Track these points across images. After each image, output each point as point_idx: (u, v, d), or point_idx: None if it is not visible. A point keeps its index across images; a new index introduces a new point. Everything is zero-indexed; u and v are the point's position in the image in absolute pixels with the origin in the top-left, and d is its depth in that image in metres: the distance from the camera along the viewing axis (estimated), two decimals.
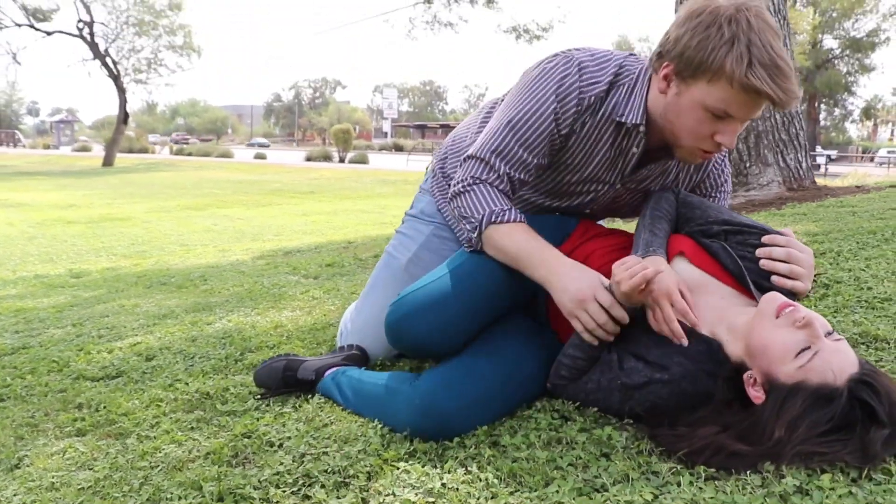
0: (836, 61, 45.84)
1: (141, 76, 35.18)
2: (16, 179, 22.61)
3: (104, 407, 1.98)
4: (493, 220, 1.71)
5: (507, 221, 1.71)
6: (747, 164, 5.34)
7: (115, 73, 32.33)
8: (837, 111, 49.81)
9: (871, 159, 50.01)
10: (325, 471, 1.43)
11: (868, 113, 55.96)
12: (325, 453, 1.51)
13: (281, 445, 1.58)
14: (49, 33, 31.50)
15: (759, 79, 1.51)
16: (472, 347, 1.66)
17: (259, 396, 1.93)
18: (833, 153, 53.01)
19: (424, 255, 2.14)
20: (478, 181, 1.77)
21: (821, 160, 33.39)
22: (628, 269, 1.50)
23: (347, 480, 1.39)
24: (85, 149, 50.38)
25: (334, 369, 1.93)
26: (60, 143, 57.90)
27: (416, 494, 1.29)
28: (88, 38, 31.87)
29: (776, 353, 1.38)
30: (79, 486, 1.49)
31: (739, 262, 1.62)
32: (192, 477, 1.45)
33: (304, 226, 10.17)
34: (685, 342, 1.51)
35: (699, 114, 1.62)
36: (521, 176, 1.79)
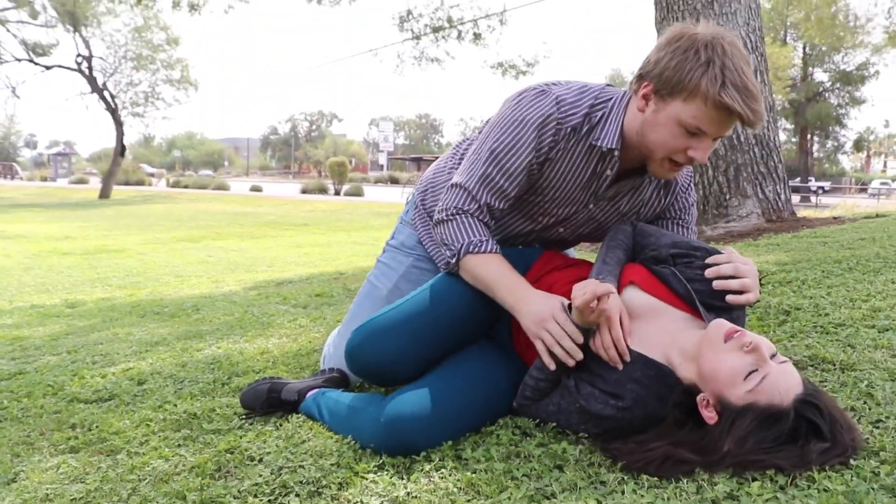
0: (826, 94, 46.35)
1: (138, 109, 35.46)
2: (12, 211, 22.72)
3: (96, 427, 2.09)
4: (470, 249, 1.86)
5: (484, 252, 1.85)
6: (727, 196, 5.49)
7: (113, 106, 32.61)
8: (830, 143, 50.26)
9: (864, 190, 50.62)
10: (300, 482, 1.54)
11: (859, 145, 56.55)
12: (302, 466, 1.61)
13: (261, 460, 1.69)
14: (48, 67, 31.84)
15: (731, 98, 1.66)
16: (438, 370, 1.79)
17: (244, 416, 2.04)
18: (826, 184, 53.63)
19: (404, 285, 2.26)
20: (460, 212, 1.91)
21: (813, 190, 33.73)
22: (583, 288, 1.62)
23: (320, 490, 1.49)
24: (82, 181, 50.59)
25: (316, 390, 2.04)
26: (58, 176, 58.10)
27: (382, 502, 1.40)
28: (87, 72, 32.20)
29: (726, 378, 1.49)
30: (71, 498, 1.60)
31: (688, 285, 1.73)
32: (177, 488, 1.56)
33: (297, 257, 10.29)
34: (619, 366, 1.63)
35: (674, 129, 1.76)
36: (500, 205, 1.93)
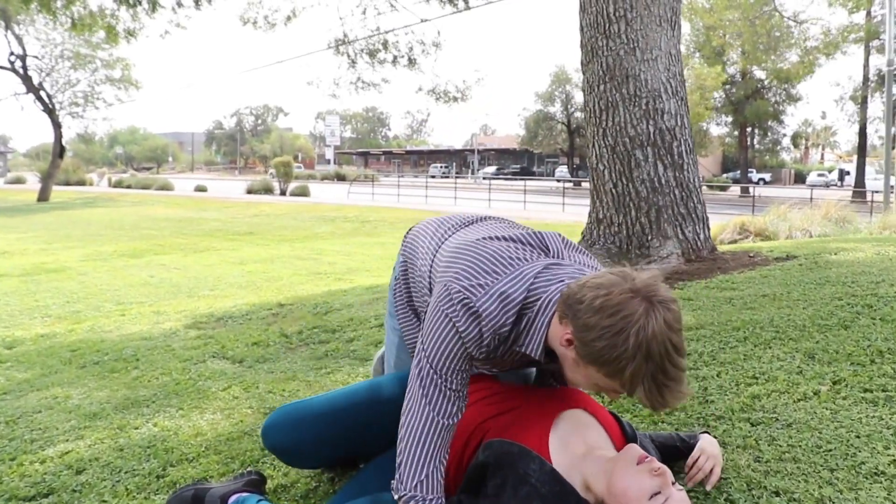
0: (764, 91, 47.55)
1: (77, 109, 34.85)
2: None
3: None
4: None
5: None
6: (649, 238, 5.78)
7: (51, 106, 31.99)
8: (769, 137, 51.64)
9: (802, 181, 52.80)
10: None
11: (796, 141, 58.31)
12: None
13: None
14: None
15: (644, 393, 1.69)
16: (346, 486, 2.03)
17: None
18: (767, 176, 55.57)
19: (403, 356, 2.41)
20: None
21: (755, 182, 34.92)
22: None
23: None
24: (19, 181, 49.47)
25: (236, 496, 2.22)
26: None
27: None
28: (21, 71, 31.53)
29: (633, 496, 1.74)
30: None
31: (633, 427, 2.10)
32: None
33: (239, 277, 10.37)
34: None
35: (591, 382, 1.81)
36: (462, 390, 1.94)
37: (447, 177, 67.58)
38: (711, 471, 2.15)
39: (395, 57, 13.16)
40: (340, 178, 59.92)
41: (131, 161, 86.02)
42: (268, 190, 37.80)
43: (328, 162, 78.51)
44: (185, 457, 2.79)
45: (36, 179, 42.96)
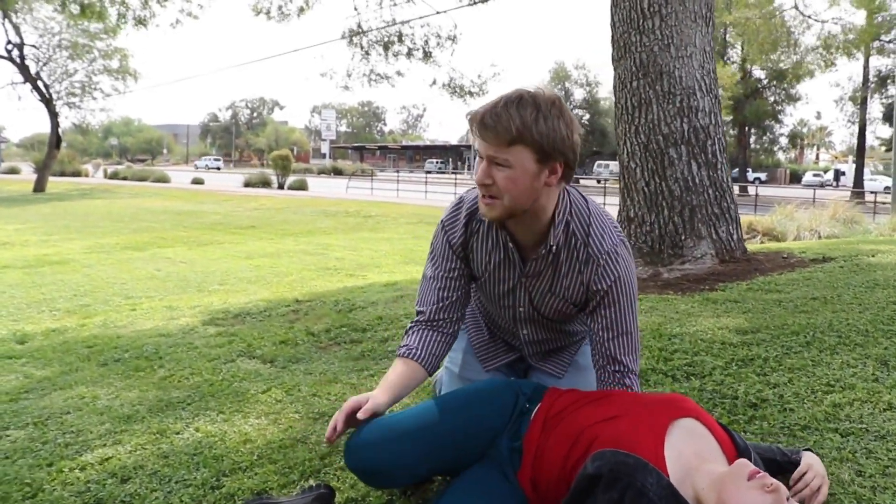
0: (763, 91, 47.55)
1: (74, 100, 34.51)
2: None
3: None
4: (399, 352, 2.28)
5: (400, 356, 2.26)
6: (682, 237, 5.66)
7: (48, 96, 31.68)
8: (766, 137, 51.73)
9: (798, 180, 53.21)
10: None
11: (794, 141, 58.45)
12: None
13: None
14: None
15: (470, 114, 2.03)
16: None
17: None
18: (763, 175, 55.84)
19: (469, 359, 2.64)
20: (414, 322, 2.36)
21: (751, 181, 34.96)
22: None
23: None
24: (13, 171, 49.10)
25: None
26: None
27: None
28: (18, 60, 31.20)
29: None
30: None
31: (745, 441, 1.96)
32: None
33: (248, 271, 10.22)
34: None
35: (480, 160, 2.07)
36: (444, 300, 2.32)
37: (443, 172, 67.43)
38: (819, 489, 2.02)
39: (409, 49, 12.98)
40: (337, 172, 59.71)
41: (126, 152, 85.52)
42: (265, 183, 37.56)
43: (323, 156, 78.40)
44: (237, 466, 2.64)
45: (30, 170, 42.64)
